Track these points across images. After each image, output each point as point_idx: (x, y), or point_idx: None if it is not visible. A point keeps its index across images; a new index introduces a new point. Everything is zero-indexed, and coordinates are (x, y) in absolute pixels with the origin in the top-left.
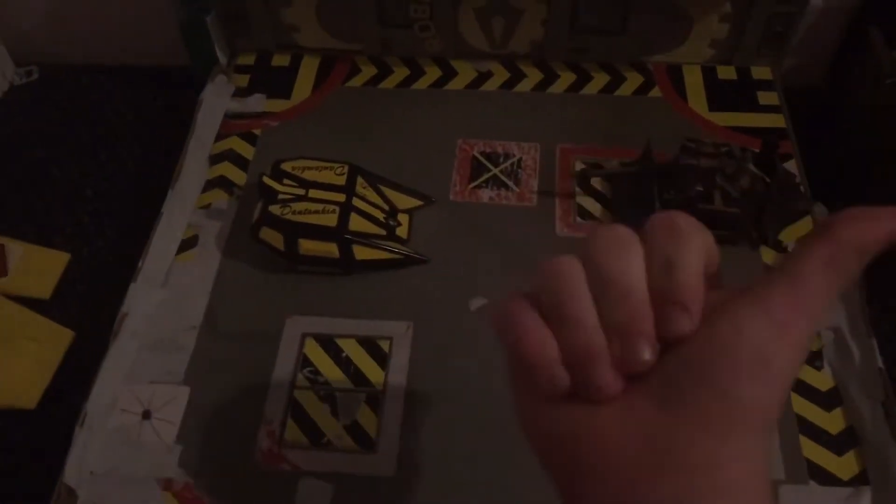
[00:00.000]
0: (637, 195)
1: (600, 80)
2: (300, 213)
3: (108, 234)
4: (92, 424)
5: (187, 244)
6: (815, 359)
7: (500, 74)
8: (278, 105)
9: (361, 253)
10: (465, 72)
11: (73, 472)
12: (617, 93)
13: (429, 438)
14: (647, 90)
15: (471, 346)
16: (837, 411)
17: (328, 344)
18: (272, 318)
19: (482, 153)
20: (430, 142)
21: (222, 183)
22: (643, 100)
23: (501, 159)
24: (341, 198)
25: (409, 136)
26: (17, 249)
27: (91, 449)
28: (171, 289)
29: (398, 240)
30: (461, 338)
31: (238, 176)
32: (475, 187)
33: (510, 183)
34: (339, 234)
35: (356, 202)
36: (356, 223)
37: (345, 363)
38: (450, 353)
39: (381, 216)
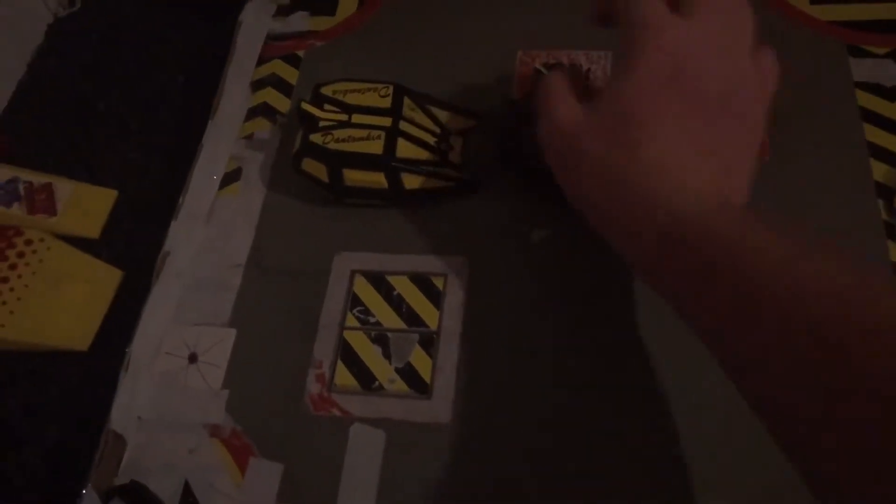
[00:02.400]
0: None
1: None
2: (343, 140)
3: (154, 169)
4: (137, 369)
5: (230, 177)
6: None
7: None
8: (323, 23)
9: (411, 181)
10: None
11: (119, 417)
12: None
13: (486, 383)
14: None
15: (532, 283)
16: None
17: (379, 281)
18: (320, 255)
19: (545, 65)
20: (488, 55)
21: (265, 110)
22: None
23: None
24: (387, 122)
25: (464, 50)
26: (65, 188)
27: (137, 394)
28: (215, 225)
29: (451, 165)
30: (522, 274)
31: (282, 102)
32: None
33: None
34: (386, 161)
35: (403, 126)
36: (404, 149)
37: (396, 302)
38: (509, 290)
39: (431, 140)
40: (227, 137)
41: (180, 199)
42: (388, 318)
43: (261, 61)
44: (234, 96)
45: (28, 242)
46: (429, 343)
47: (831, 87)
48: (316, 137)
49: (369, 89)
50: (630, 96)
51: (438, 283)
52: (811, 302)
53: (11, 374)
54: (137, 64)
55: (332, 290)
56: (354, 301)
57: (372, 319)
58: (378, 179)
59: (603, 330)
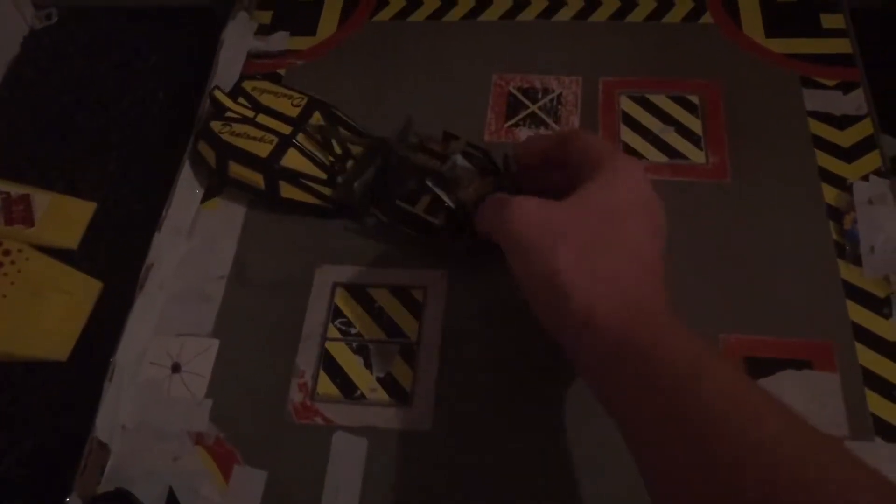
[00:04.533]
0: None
1: (647, 5)
2: (238, 135)
3: (134, 181)
4: (121, 378)
5: (213, 191)
6: (882, 306)
7: (538, 2)
8: (303, 42)
9: (288, 190)
10: (501, 0)
11: (104, 426)
12: (665, 20)
13: (466, 392)
14: (697, 16)
15: (509, 294)
16: None
17: (360, 294)
18: (302, 267)
19: (519, 89)
20: (464, 78)
21: None
22: (693, 27)
23: (540, 95)
24: (287, 130)
25: (440, 72)
26: (43, 199)
27: (121, 403)
28: (198, 238)
29: (338, 187)
30: (499, 285)
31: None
32: (512, 126)
33: (549, 120)
34: (268, 165)
35: (301, 138)
36: (293, 160)
37: (377, 313)
38: (487, 302)
39: (327, 159)
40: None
41: (164, 213)
42: (369, 329)
43: (242, 78)
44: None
45: (6, 253)
46: (409, 353)
47: (785, 115)
48: (216, 125)
49: (285, 95)
50: (609, 203)
51: (418, 295)
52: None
53: None
54: (116, 78)
55: (314, 302)
56: (336, 313)
57: (353, 330)
58: (257, 179)
59: None
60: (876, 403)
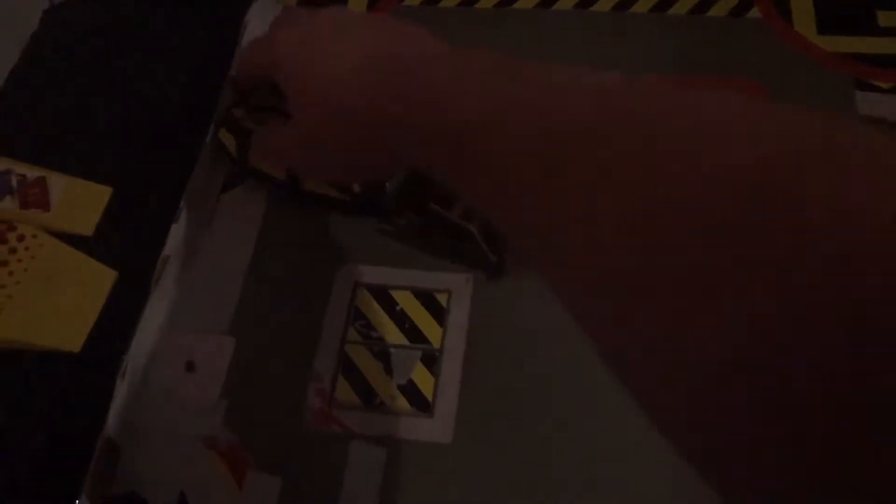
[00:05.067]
0: None
1: None
2: (261, 123)
3: (151, 167)
4: (134, 376)
5: (234, 182)
6: None
7: None
8: None
9: (310, 183)
10: None
11: (115, 425)
12: (710, 13)
13: (490, 403)
14: (745, 11)
15: (537, 301)
16: None
17: (382, 295)
18: (323, 266)
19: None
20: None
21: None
22: (740, 22)
23: None
24: None
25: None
26: (59, 183)
27: (133, 402)
28: (216, 230)
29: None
30: (526, 292)
31: None
32: None
33: None
34: None
35: None
36: None
37: (399, 317)
38: (513, 308)
39: None
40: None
41: (181, 203)
42: (390, 333)
43: None
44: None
45: (20, 238)
46: (431, 360)
47: None
48: (237, 112)
49: None
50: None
51: (442, 299)
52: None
53: None
54: (136, 59)
55: (335, 303)
56: (357, 315)
57: (374, 334)
58: (277, 170)
59: None
60: None
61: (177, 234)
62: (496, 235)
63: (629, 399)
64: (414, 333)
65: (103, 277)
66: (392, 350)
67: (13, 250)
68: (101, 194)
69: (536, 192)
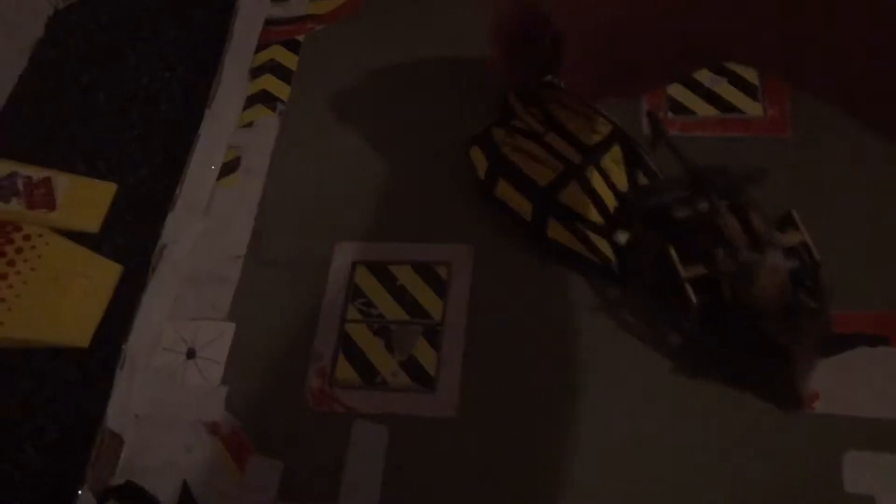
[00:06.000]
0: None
1: None
2: (520, 150)
3: (153, 160)
4: (133, 365)
5: (229, 167)
6: None
7: None
8: (323, 6)
9: (556, 231)
10: None
11: (116, 415)
12: None
13: (494, 377)
14: None
15: (540, 271)
16: None
17: (381, 271)
18: (320, 245)
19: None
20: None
21: (264, 98)
22: None
23: None
24: (576, 158)
25: (475, 31)
26: (64, 182)
27: (134, 391)
28: (213, 217)
29: (613, 242)
30: (531, 262)
31: (281, 89)
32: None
33: None
34: (542, 196)
35: (591, 173)
36: (574, 198)
37: (399, 292)
38: (517, 279)
39: (612, 203)
40: (225, 126)
41: (177, 190)
42: (390, 309)
43: (259, 47)
44: (232, 84)
45: (26, 238)
46: (433, 335)
47: None
48: (498, 133)
49: (585, 116)
50: None
51: (443, 272)
52: None
53: (10, 371)
54: (137, 55)
55: (333, 281)
56: (356, 292)
57: (374, 311)
58: (525, 209)
59: (613, 321)
60: None
61: (173, 221)
62: (725, 325)
63: (634, 367)
64: (414, 308)
65: (109, 272)
66: (392, 326)
67: (20, 250)
68: (106, 191)
69: None
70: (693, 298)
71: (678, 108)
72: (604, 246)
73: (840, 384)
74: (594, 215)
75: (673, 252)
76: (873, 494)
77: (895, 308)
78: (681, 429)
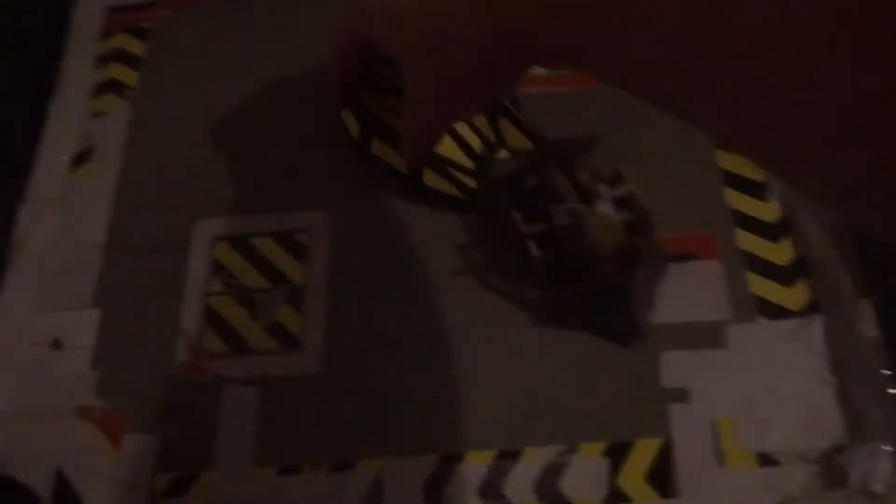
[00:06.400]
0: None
1: None
2: (388, 108)
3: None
4: None
5: (82, 158)
6: (761, 190)
7: None
8: None
9: (431, 179)
10: None
11: None
12: None
13: (356, 331)
14: None
15: (396, 230)
16: (786, 242)
17: (242, 244)
18: (181, 225)
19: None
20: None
21: (113, 86)
22: None
23: None
24: None
25: (322, 7)
26: None
27: (1, 388)
28: (69, 207)
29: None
30: (385, 222)
31: (130, 76)
32: None
33: None
34: None
35: (459, 126)
36: (444, 147)
37: (261, 262)
38: (373, 239)
39: (478, 146)
40: (72, 116)
41: (28, 183)
42: (253, 279)
43: (105, 36)
44: (77, 74)
45: None
46: (296, 299)
47: None
48: (365, 94)
49: None
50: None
51: (302, 238)
52: None
53: None
54: None
55: (194, 259)
56: (217, 267)
57: (236, 283)
58: (399, 161)
59: (475, 279)
60: (758, 285)
61: (27, 215)
62: (566, 274)
63: (484, 321)
64: (276, 275)
65: None
66: (255, 295)
67: None
68: None
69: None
70: (536, 252)
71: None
72: (471, 182)
73: (658, 296)
74: (464, 159)
75: (517, 214)
76: (685, 387)
77: (697, 230)
78: (539, 369)
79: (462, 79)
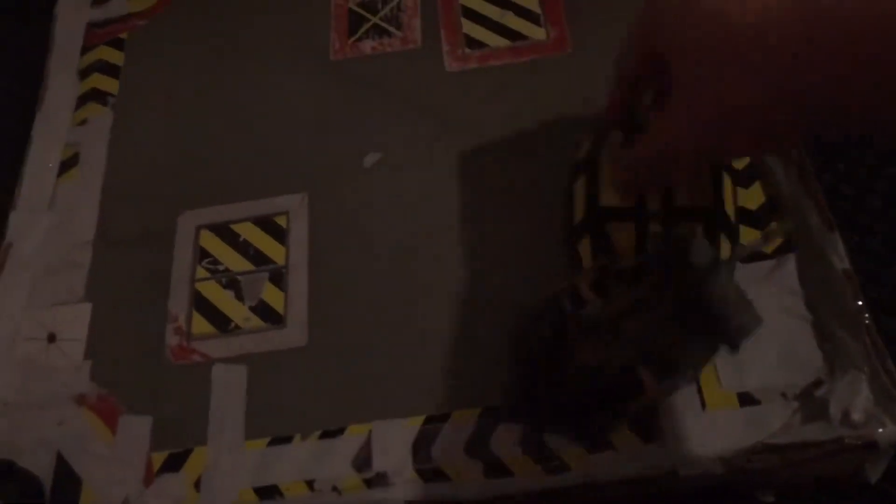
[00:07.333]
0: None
1: None
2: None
3: None
4: None
5: (68, 164)
6: None
7: None
8: (141, 3)
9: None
10: None
11: None
12: None
13: (336, 305)
14: None
15: (369, 205)
16: (755, 186)
17: (224, 231)
18: (165, 218)
19: (358, 4)
20: (302, 5)
21: (95, 95)
22: None
23: (380, 5)
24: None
25: (279, 4)
26: None
27: (1, 383)
28: (58, 211)
29: None
30: (359, 199)
31: (111, 85)
32: (356, 41)
33: (392, 28)
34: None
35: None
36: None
37: (243, 247)
38: (349, 216)
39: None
40: (58, 126)
41: (16, 191)
42: (236, 263)
43: (85, 49)
44: (61, 86)
45: None
46: (279, 278)
47: None
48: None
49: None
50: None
51: (281, 221)
52: None
53: None
54: None
55: (180, 248)
56: (202, 254)
57: (221, 268)
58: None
59: (436, 238)
60: None
61: (17, 220)
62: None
63: (456, 291)
64: (259, 258)
65: None
66: (240, 277)
67: None
68: None
69: None
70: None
71: (473, 43)
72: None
73: None
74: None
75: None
76: None
77: None
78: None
79: (748, 109)
